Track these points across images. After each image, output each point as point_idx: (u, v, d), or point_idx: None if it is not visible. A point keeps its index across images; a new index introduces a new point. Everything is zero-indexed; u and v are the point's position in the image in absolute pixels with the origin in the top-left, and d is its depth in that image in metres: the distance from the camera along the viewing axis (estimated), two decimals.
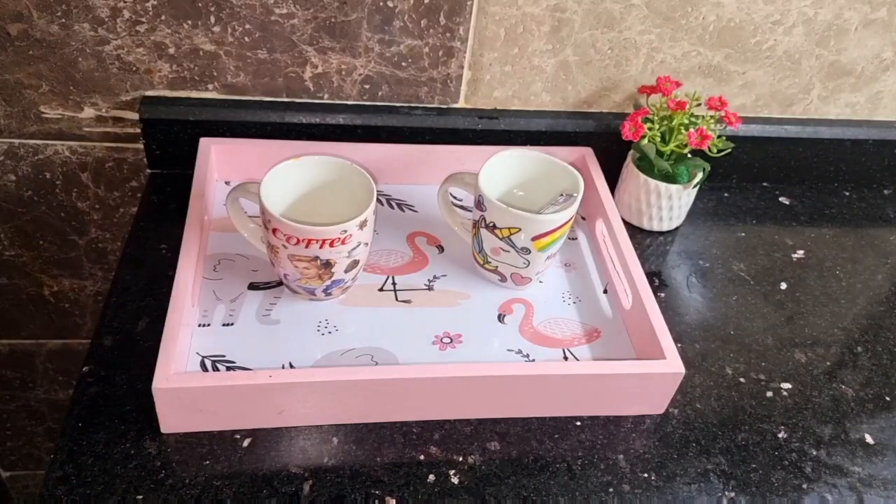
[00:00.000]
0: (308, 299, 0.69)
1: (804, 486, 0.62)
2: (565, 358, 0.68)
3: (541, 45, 0.81)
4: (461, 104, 0.85)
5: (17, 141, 0.82)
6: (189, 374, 0.61)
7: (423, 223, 0.80)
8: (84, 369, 0.62)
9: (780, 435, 0.66)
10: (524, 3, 0.78)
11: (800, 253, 0.86)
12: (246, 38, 0.77)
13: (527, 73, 0.83)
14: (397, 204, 0.82)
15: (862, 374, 0.73)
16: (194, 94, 0.80)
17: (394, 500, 0.57)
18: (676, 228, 0.87)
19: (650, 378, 0.63)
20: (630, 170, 0.84)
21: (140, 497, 0.55)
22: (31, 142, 0.82)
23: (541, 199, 0.73)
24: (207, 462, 0.58)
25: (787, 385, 0.71)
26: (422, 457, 0.60)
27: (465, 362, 0.65)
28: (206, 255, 0.72)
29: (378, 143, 0.82)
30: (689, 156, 0.81)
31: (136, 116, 0.81)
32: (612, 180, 0.84)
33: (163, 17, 0.74)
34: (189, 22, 0.75)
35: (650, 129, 0.79)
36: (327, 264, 0.64)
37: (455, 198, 0.83)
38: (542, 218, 0.67)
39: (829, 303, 0.80)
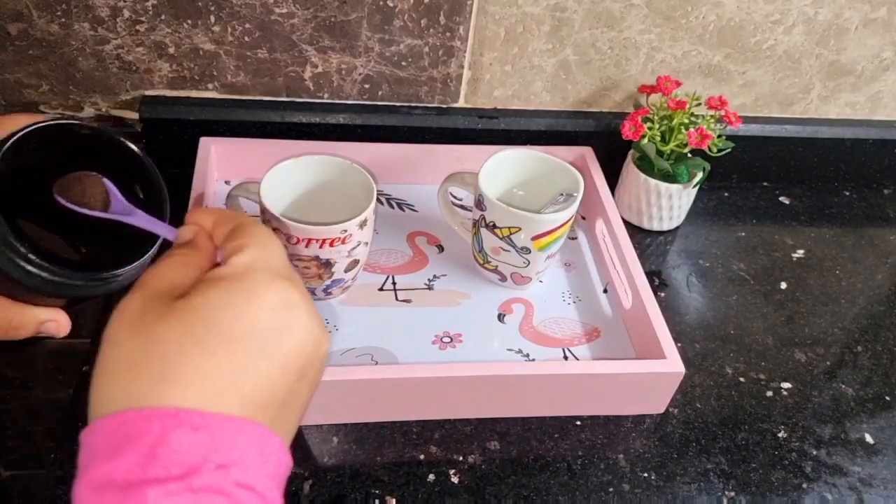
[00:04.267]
0: None
1: (804, 485, 0.63)
2: (565, 357, 0.68)
3: (541, 44, 0.81)
4: (461, 104, 0.85)
5: None
6: None
7: (423, 223, 0.80)
8: (84, 369, 0.63)
9: (780, 435, 0.66)
10: (524, 3, 0.78)
11: (800, 253, 0.86)
12: (246, 38, 0.77)
13: (527, 73, 0.83)
14: (397, 204, 0.82)
15: (862, 374, 0.73)
16: (194, 94, 0.80)
17: (394, 500, 0.57)
18: (676, 228, 0.87)
19: (650, 378, 0.63)
20: (630, 169, 0.84)
21: None
22: None
23: (541, 199, 0.73)
24: None
25: (787, 385, 0.71)
26: (422, 456, 0.60)
27: (465, 362, 0.65)
28: None
29: (378, 143, 0.82)
30: (689, 155, 0.81)
31: (136, 116, 0.81)
32: (612, 180, 0.84)
33: (163, 17, 0.74)
34: (189, 21, 0.75)
35: (650, 128, 0.79)
36: (327, 264, 0.64)
37: (455, 197, 0.83)
38: (542, 217, 0.67)
39: (829, 303, 0.80)
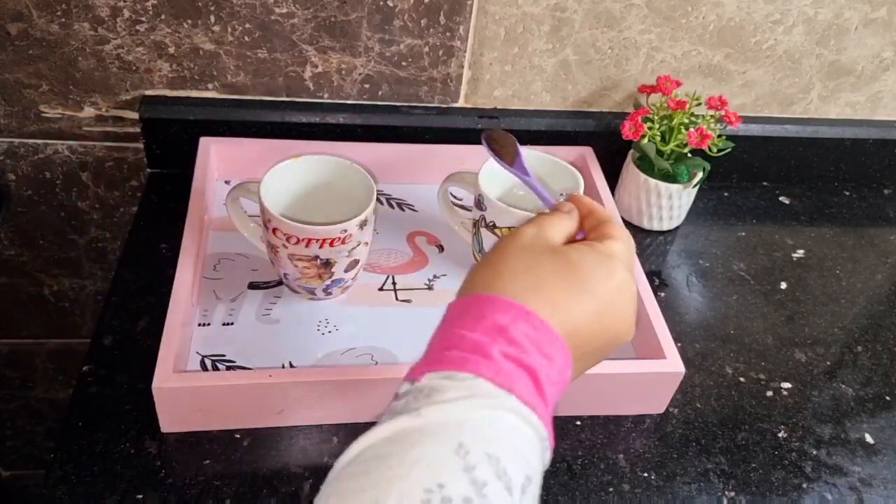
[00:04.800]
0: (308, 299, 0.69)
1: (804, 485, 0.62)
2: None
3: (541, 44, 0.81)
4: (461, 103, 0.85)
5: (16, 140, 0.82)
6: (189, 373, 0.61)
7: (423, 223, 0.80)
8: (84, 369, 0.63)
9: (780, 435, 0.66)
10: (524, 3, 0.78)
11: (800, 253, 0.86)
12: (246, 38, 0.77)
13: (527, 73, 0.83)
14: (397, 203, 0.82)
15: (862, 374, 0.73)
16: (194, 94, 0.80)
17: None
18: (676, 228, 0.87)
19: (650, 378, 0.63)
20: (630, 169, 0.84)
21: (140, 497, 0.55)
22: (31, 141, 0.82)
23: None
24: (207, 462, 0.58)
25: (787, 385, 0.71)
26: None
27: None
28: (206, 254, 0.72)
29: (378, 143, 0.82)
30: (689, 155, 0.81)
31: (136, 116, 0.81)
32: (612, 180, 0.84)
33: (163, 17, 0.74)
34: (189, 21, 0.75)
35: (650, 128, 0.79)
36: (327, 264, 0.64)
37: (455, 197, 0.83)
38: None
39: (829, 302, 0.80)
